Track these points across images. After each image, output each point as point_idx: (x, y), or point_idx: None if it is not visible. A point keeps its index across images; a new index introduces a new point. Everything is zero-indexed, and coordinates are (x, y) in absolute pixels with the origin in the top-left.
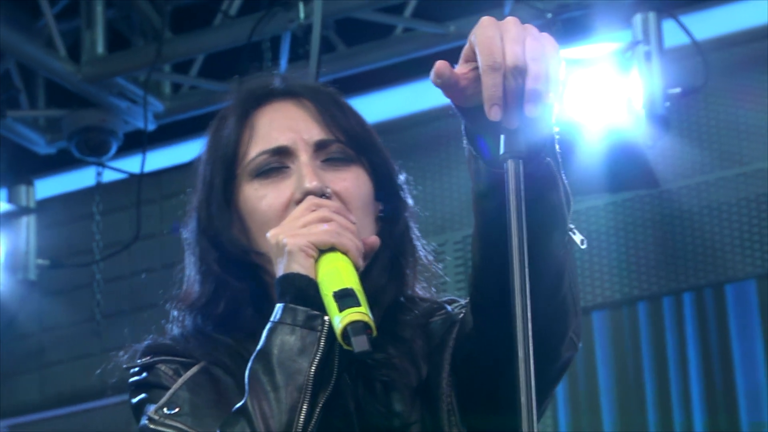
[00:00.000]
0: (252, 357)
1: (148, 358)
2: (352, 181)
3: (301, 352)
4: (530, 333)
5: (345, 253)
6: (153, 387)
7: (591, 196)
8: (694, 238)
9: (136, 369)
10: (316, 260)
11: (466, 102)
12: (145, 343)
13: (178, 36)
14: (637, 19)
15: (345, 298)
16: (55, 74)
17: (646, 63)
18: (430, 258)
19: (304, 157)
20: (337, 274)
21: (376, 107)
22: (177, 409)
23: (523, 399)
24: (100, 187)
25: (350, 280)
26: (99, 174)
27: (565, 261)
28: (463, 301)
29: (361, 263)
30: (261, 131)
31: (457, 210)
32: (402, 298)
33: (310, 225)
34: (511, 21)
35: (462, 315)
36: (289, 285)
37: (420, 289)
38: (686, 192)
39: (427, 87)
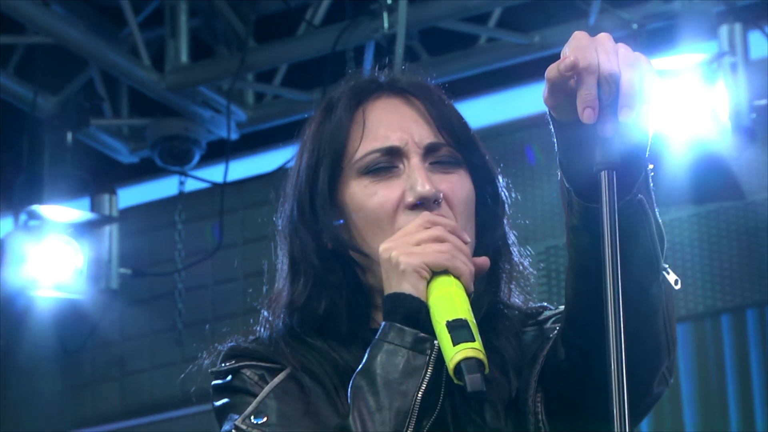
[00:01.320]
0: (356, 372)
1: (233, 362)
2: (459, 185)
3: (407, 374)
4: (624, 369)
5: (458, 277)
6: (238, 392)
7: (675, 207)
8: None
9: (220, 373)
10: (429, 282)
11: (561, 113)
12: (229, 345)
13: (261, 45)
14: (723, 30)
15: (459, 330)
16: (139, 83)
17: (731, 74)
18: (525, 264)
19: (415, 159)
20: (450, 302)
21: None
22: (265, 419)
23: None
24: (182, 196)
25: (464, 309)
26: (182, 183)
27: (659, 299)
28: (554, 310)
29: (472, 288)
30: (371, 127)
31: (540, 221)
32: (499, 306)
33: (424, 243)
34: (604, 35)
35: (555, 333)
36: (400, 305)
37: (514, 295)
38: None
39: (511, 97)
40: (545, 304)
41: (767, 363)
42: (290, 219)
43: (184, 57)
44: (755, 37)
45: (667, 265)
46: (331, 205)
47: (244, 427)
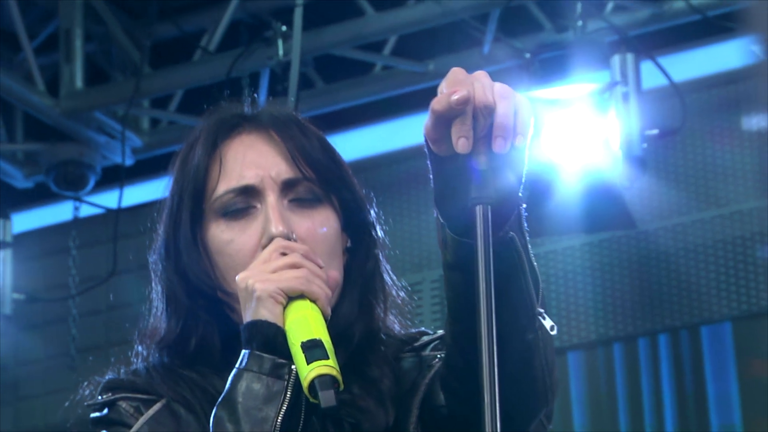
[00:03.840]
0: (217, 403)
1: (110, 394)
2: (319, 223)
3: (267, 400)
4: (497, 410)
5: (314, 301)
6: (114, 424)
7: (567, 236)
8: (670, 279)
9: (97, 405)
10: (285, 307)
11: (440, 146)
12: (107, 377)
13: (157, 71)
14: (616, 60)
15: (313, 350)
16: (34, 108)
17: (623, 104)
18: (402, 294)
19: (271, 197)
20: (305, 324)
21: (354, 144)
22: None
23: None
24: (77, 222)
25: (318, 330)
26: (76, 208)
27: (535, 345)
28: (432, 335)
29: (329, 312)
30: (229, 166)
31: (435, 248)
32: (372, 335)
33: (280, 270)
34: (480, 72)
35: (436, 361)
36: (257, 332)
37: (390, 323)
38: (663, 233)
39: (406, 125)
40: (423, 329)
41: (658, 392)
42: (159, 257)
43: (79, 82)
44: (647, 67)
45: (542, 311)
46: (194, 246)
47: None
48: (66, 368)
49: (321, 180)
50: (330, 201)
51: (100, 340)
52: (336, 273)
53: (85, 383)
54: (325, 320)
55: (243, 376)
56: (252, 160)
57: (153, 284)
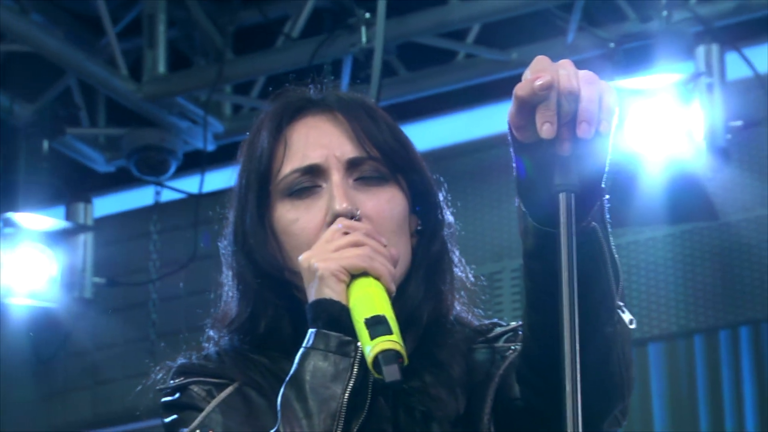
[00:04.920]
0: (284, 383)
1: (181, 378)
2: (385, 202)
3: (334, 378)
4: (579, 407)
5: (377, 278)
6: (185, 408)
7: (650, 227)
8: (752, 271)
9: (168, 390)
10: (348, 285)
11: (524, 133)
12: (178, 362)
13: (239, 57)
14: (700, 50)
15: (376, 326)
16: (116, 93)
17: (707, 95)
18: (470, 278)
19: (336, 176)
20: (369, 301)
21: (436, 133)
22: None
23: None
24: (158, 207)
25: (382, 306)
26: (157, 193)
27: (613, 339)
28: (505, 326)
29: (393, 288)
30: (294, 147)
31: (515, 237)
32: (441, 320)
33: (342, 249)
34: (565, 60)
35: (510, 353)
36: (322, 311)
37: (462, 312)
38: (745, 225)
39: (488, 114)
40: (496, 320)
41: (739, 384)
42: (228, 242)
43: (161, 67)
44: (732, 58)
45: (622, 304)
46: (261, 227)
47: None
48: (145, 353)
49: (387, 160)
50: (396, 181)
51: (180, 325)
52: (398, 251)
53: (157, 368)
54: (390, 297)
55: (310, 355)
56: (316, 140)
57: (224, 269)
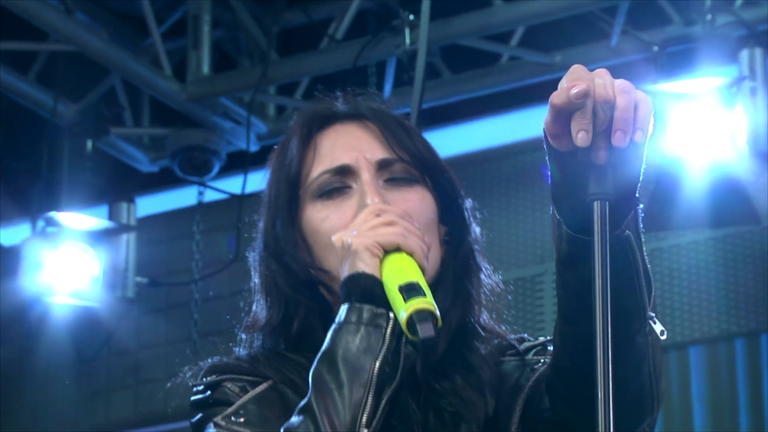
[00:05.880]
0: (317, 358)
1: (214, 376)
2: (416, 201)
3: (366, 350)
4: (611, 416)
5: (410, 254)
6: (217, 404)
7: (692, 231)
8: None
9: (201, 387)
10: (382, 261)
11: (559, 141)
12: (210, 362)
13: (283, 58)
14: (744, 54)
15: (410, 291)
16: (160, 93)
17: (751, 98)
18: (500, 286)
19: (366, 175)
20: (402, 270)
21: (479, 135)
22: (244, 419)
23: None
24: (201, 207)
25: (416, 275)
26: (200, 193)
27: (644, 350)
28: (533, 341)
29: (426, 265)
30: (324, 151)
31: None
32: (470, 325)
33: (376, 227)
34: (601, 69)
35: (539, 365)
36: (355, 285)
37: (491, 322)
38: None
39: (532, 116)
40: (524, 335)
41: None
42: (258, 249)
43: (205, 68)
44: None
45: (653, 314)
46: (291, 230)
47: (223, 423)
48: (187, 353)
49: (417, 163)
50: (425, 183)
51: (222, 325)
52: (430, 241)
53: (186, 368)
54: (423, 272)
55: (342, 329)
56: (346, 143)
57: (252, 278)
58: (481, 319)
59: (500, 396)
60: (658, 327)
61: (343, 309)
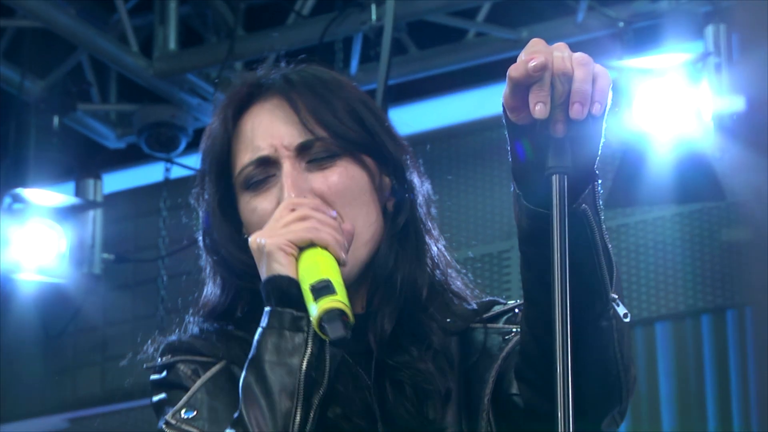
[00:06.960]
0: (245, 366)
1: (169, 356)
2: (340, 176)
3: (291, 354)
4: (570, 406)
5: (325, 247)
6: (173, 387)
7: (658, 207)
8: (759, 251)
9: (157, 368)
10: (297, 258)
11: (518, 115)
12: (167, 340)
13: (250, 34)
14: (709, 30)
15: (320, 290)
16: (127, 69)
17: (716, 74)
18: (442, 248)
19: (286, 164)
20: (315, 267)
21: (446, 111)
22: (194, 413)
23: None
24: (168, 183)
25: (327, 271)
26: (167, 170)
27: (609, 334)
28: (505, 305)
29: (343, 256)
30: (245, 139)
31: None
32: (424, 288)
33: (289, 224)
34: (560, 43)
35: (511, 336)
36: (272, 287)
37: (455, 284)
38: (753, 204)
39: (498, 92)
40: (495, 298)
41: (746, 364)
42: (201, 234)
43: (172, 44)
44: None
45: (616, 296)
46: (224, 222)
47: (173, 421)
48: (154, 329)
49: (337, 138)
50: (351, 155)
51: (189, 302)
52: (352, 224)
53: (149, 341)
54: (340, 265)
55: (266, 335)
56: (265, 131)
57: (202, 258)
58: (436, 281)
59: (468, 368)
60: (621, 309)
61: (265, 314)
